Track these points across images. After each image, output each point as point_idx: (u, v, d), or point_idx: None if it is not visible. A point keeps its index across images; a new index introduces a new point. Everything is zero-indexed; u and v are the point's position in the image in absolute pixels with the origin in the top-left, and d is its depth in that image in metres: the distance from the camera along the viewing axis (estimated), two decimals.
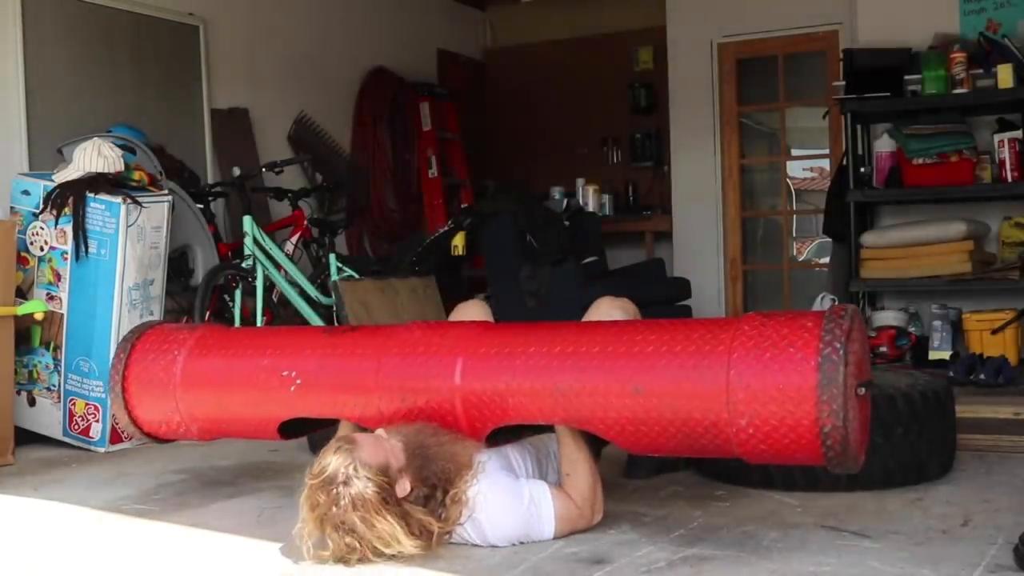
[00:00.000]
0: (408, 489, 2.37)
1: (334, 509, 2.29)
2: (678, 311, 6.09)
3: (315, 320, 5.11)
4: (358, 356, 2.76)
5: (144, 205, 4.27)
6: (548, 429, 2.68)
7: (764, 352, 2.28)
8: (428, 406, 2.62)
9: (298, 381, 2.80)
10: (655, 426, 2.39)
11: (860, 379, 2.32)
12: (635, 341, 2.45)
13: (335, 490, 2.29)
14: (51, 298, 4.29)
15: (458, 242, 5.95)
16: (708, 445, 2.39)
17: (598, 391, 2.44)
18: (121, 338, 3.17)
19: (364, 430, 2.70)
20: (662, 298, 6.04)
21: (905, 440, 3.00)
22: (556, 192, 7.27)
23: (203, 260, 4.98)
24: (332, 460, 2.33)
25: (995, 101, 5.42)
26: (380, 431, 2.48)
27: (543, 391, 2.50)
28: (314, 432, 3.17)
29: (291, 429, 2.95)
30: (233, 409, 2.96)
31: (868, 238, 5.73)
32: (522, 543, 2.52)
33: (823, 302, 5.80)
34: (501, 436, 2.67)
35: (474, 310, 3.15)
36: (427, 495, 2.41)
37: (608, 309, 2.99)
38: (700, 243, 7.28)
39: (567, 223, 6.25)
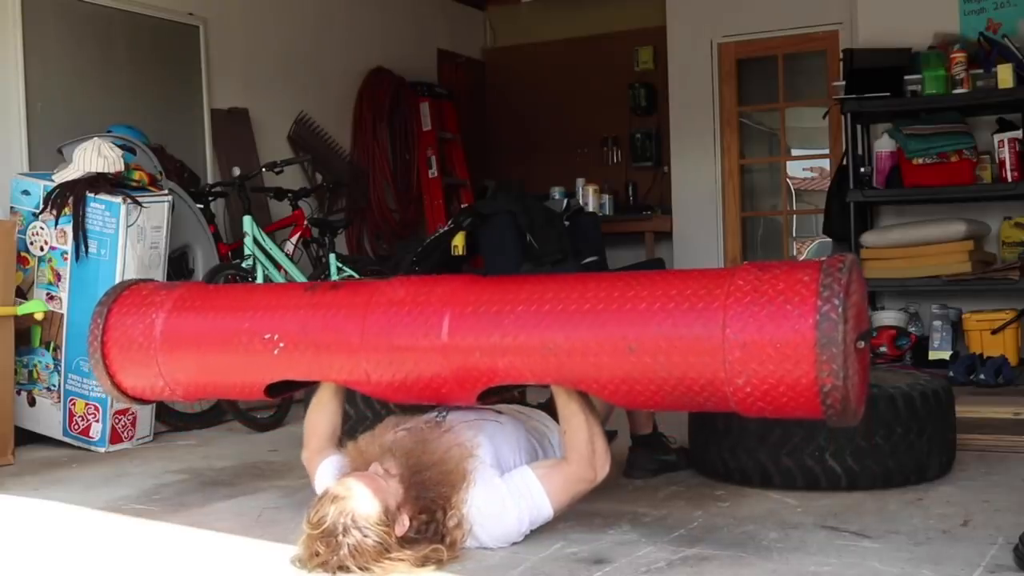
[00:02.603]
0: (407, 525, 2.36)
1: (335, 559, 2.29)
2: None
3: None
4: (342, 315, 2.65)
5: (144, 205, 4.27)
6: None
7: (760, 309, 2.20)
8: (416, 368, 2.54)
9: (281, 344, 2.70)
10: (650, 385, 2.34)
11: (859, 330, 2.24)
12: (627, 298, 2.36)
13: (335, 541, 2.29)
14: (51, 298, 4.29)
15: (458, 242, 5.95)
16: (705, 402, 2.34)
17: (590, 351, 2.37)
18: (97, 303, 3.01)
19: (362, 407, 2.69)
20: None
21: (905, 440, 3.00)
22: (556, 192, 7.27)
23: (203, 260, 4.97)
24: (329, 511, 2.31)
25: (995, 101, 5.43)
26: (375, 465, 2.45)
27: (534, 352, 2.42)
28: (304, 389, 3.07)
29: (278, 388, 2.86)
30: (217, 373, 2.87)
31: (868, 238, 5.74)
32: (531, 531, 2.53)
33: None
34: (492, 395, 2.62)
35: None
36: (427, 520, 2.40)
37: None
38: (700, 243, 7.28)
39: (567, 223, 6.25)
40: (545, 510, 2.52)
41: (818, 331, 2.14)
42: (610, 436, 3.07)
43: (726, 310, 2.23)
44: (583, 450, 2.54)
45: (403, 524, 2.35)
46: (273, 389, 2.85)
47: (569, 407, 2.54)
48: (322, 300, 2.72)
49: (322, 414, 2.87)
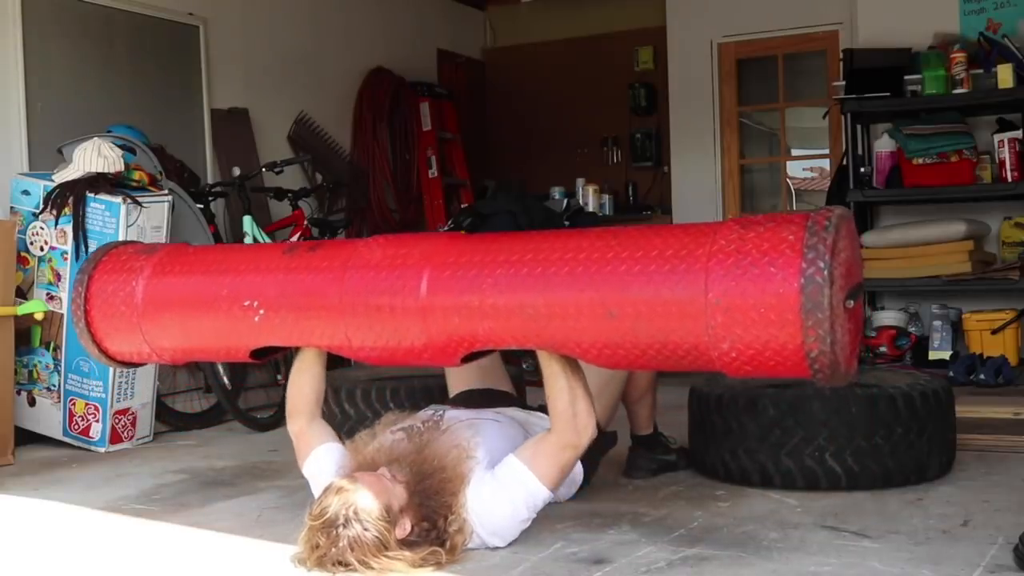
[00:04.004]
0: (408, 529, 2.36)
1: (333, 550, 2.30)
2: None
3: None
4: (321, 278, 2.59)
5: (144, 205, 4.27)
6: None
7: (743, 273, 2.11)
8: (396, 330, 2.48)
9: (261, 311, 2.64)
10: (633, 349, 2.28)
11: (849, 287, 2.16)
12: (607, 259, 2.29)
13: (335, 532, 2.29)
14: (51, 298, 4.29)
15: None
16: (690, 365, 2.28)
17: (570, 315, 2.29)
18: (78, 269, 2.96)
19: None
20: None
21: (905, 440, 3.00)
22: (556, 192, 7.26)
23: None
24: (332, 502, 2.32)
25: (995, 101, 5.43)
26: (383, 470, 2.45)
27: (514, 316, 2.36)
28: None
29: (264, 351, 2.79)
30: (199, 340, 2.81)
31: (868, 238, 5.74)
32: (535, 516, 2.54)
33: None
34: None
35: None
36: (428, 528, 2.40)
37: None
38: None
39: (567, 223, 6.24)
40: (540, 493, 2.51)
41: (803, 295, 2.05)
42: (610, 438, 3.08)
43: (708, 273, 2.14)
44: (565, 414, 2.50)
45: (404, 528, 2.35)
46: (259, 352, 2.78)
47: (551, 367, 2.50)
48: (300, 263, 2.66)
49: (305, 379, 2.82)
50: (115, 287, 2.85)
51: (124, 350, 2.91)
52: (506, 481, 2.50)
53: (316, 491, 2.64)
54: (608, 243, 2.32)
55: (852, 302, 2.16)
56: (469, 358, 2.53)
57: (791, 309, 2.07)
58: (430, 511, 2.40)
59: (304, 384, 2.83)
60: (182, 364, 3.06)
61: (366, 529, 2.28)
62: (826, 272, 2.05)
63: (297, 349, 2.88)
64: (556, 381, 2.50)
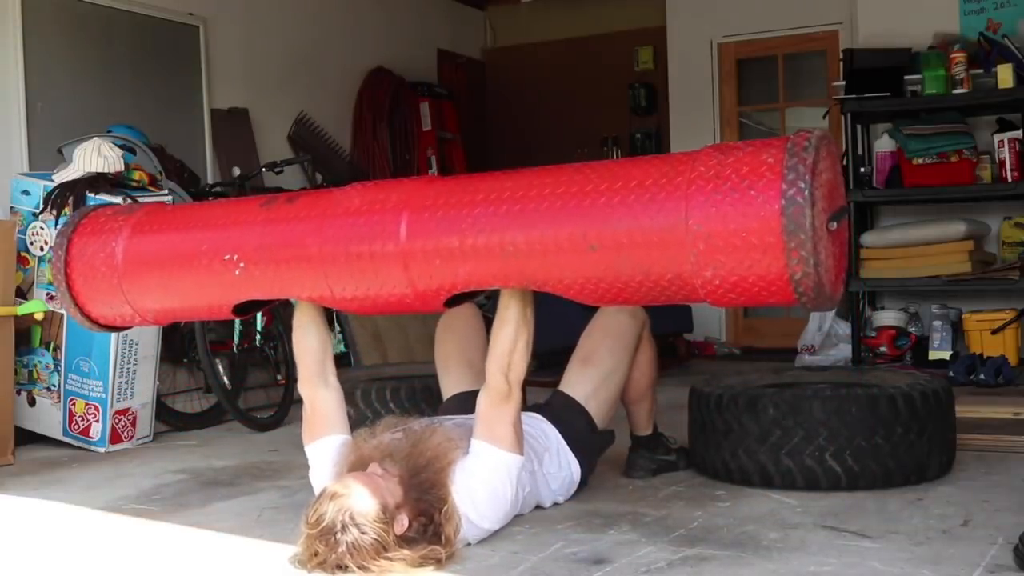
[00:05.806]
0: (406, 524, 2.37)
1: (333, 556, 2.30)
2: (681, 309, 6.11)
3: None
4: (300, 228, 2.55)
5: None
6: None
7: (723, 198, 2.08)
8: (377, 278, 2.45)
9: (241, 265, 2.60)
10: (616, 282, 2.25)
11: (832, 209, 2.12)
12: (586, 192, 2.25)
13: (333, 539, 2.30)
14: (51, 298, 4.29)
15: None
16: (675, 296, 2.26)
17: (550, 251, 2.27)
18: (57, 232, 2.92)
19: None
20: None
21: (905, 440, 3.00)
22: None
23: None
24: (328, 509, 2.32)
25: (995, 101, 5.43)
26: (374, 466, 2.46)
27: (494, 255, 2.32)
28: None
29: (247, 307, 2.77)
30: (181, 298, 2.77)
31: (868, 238, 5.74)
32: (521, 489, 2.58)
33: None
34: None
35: (464, 318, 3.17)
36: (426, 523, 2.40)
37: (615, 311, 2.99)
38: None
39: None
40: (512, 461, 2.56)
41: (784, 217, 2.01)
42: (607, 436, 3.09)
43: (688, 200, 2.11)
44: (501, 359, 2.54)
45: (402, 524, 2.36)
46: (241, 308, 2.75)
47: (506, 311, 2.54)
48: (278, 214, 2.63)
49: (306, 334, 2.81)
50: (95, 249, 2.81)
51: (107, 313, 2.87)
52: (477, 462, 2.54)
53: (313, 475, 2.73)
54: (586, 176, 2.29)
55: (835, 224, 2.13)
56: (453, 303, 2.50)
57: (773, 232, 2.04)
58: (427, 505, 2.41)
59: (309, 339, 2.81)
60: (166, 325, 2.99)
61: (363, 533, 2.28)
62: (807, 193, 2.02)
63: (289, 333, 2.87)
64: (505, 326, 2.54)
